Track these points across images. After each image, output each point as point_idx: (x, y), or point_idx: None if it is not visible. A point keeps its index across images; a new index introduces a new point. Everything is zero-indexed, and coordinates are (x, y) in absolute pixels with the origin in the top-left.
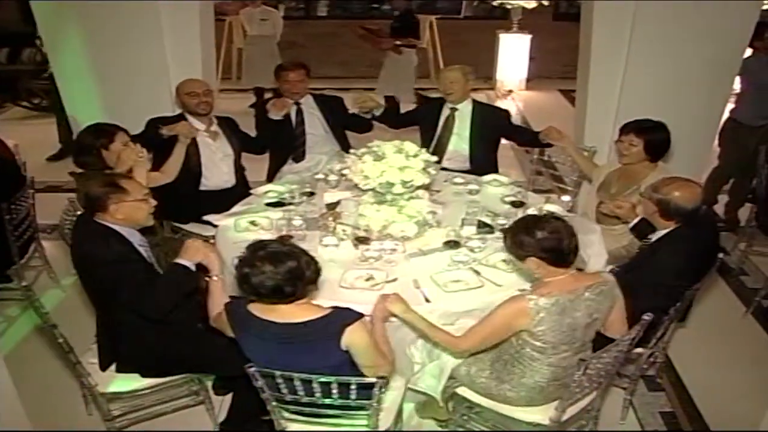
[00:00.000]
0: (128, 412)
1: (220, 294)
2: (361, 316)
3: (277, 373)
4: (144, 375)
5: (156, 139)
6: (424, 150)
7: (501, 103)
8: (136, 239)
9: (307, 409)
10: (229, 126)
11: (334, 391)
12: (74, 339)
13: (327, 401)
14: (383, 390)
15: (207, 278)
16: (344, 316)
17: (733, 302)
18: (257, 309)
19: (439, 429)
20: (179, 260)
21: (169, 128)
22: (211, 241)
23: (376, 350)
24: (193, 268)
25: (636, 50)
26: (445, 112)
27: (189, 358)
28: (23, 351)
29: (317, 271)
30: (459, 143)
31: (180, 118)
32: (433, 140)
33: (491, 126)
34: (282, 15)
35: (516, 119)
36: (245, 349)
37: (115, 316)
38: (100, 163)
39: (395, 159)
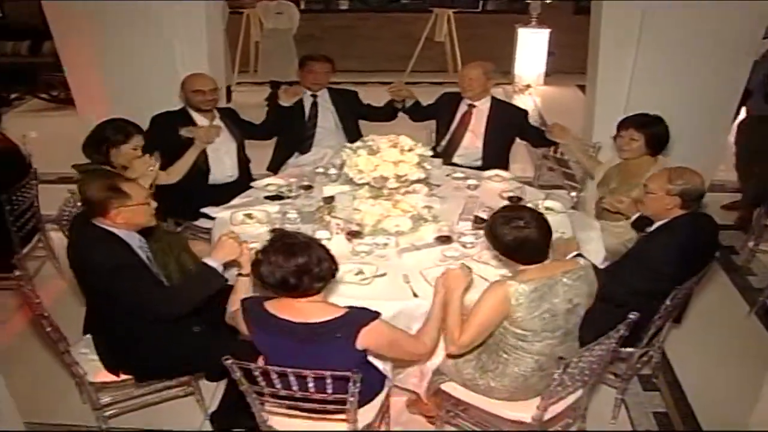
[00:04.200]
0: (117, 402)
1: (245, 292)
2: (377, 315)
3: (252, 366)
4: (144, 378)
5: (165, 138)
6: (419, 144)
7: (518, 98)
8: (135, 241)
9: (288, 402)
10: (230, 117)
11: (311, 384)
12: (74, 329)
13: (304, 395)
14: (358, 384)
15: (237, 275)
16: (359, 317)
17: (738, 301)
18: (274, 307)
19: (428, 425)
20: (209, 260)
21: (189, 130)
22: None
23: (400, 343)
24: (221, 269)
25: (645, 45)
26: (463, 107)
27: (183, 361)
28: (23, 340)
29: (330, 270)
30: (473, 140)
31: (183, 113)
32: (448, 135)
33: (508, 125)
34: (302, 8)
35: (532, 114)
36: (260, 348)
37: (111, 320)
38: (105, 159)
39: (390, 153)
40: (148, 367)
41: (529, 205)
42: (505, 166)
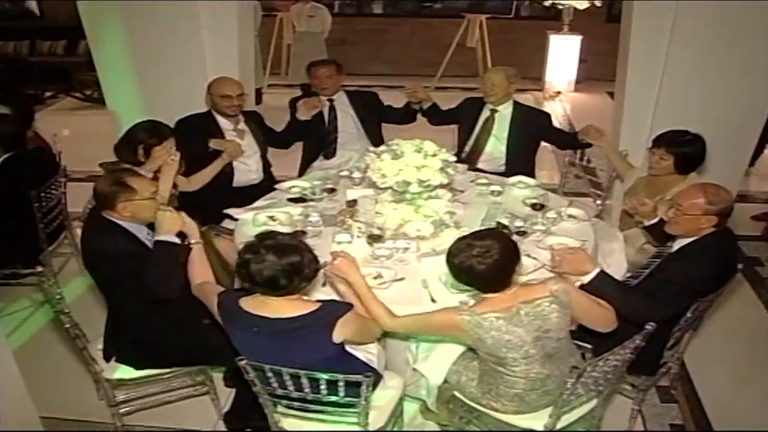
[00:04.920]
0: (132, 399)
1: (200, 260)
2: (351, 307)
3: (267, 367)
4: (142, 367)
5: (189, 142)
6: (443, 149)
7: (548, 105)
8: (143, 234)
9: (298, 404)
10: (254, 121)
11: (323, 387)
12: (94, 326)
13: (315, 397)
14: (370, 388)
15: (187, 244)
16: (334, 309)
17: (761, 314)
18: (248, 304)
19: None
20: (158, 237)
21: (217, 143)
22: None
23: (368, 326)
24: (176, 240)
25: (675, 52)
26: (485, 113)
27: (189, 351)
28: (44, 336)
29: (316, 270)
30: (496, 145)
31: (208, 116)
32: (470, 140)
33: (531, 129)
34: (334, 12)
35: (562, 121)
36: (235, 343)
37: (117, 308)
38: (135, 159)
39: (413, 158)
40: (154, 357)
41: (551, 212)
42: (530, 172)
